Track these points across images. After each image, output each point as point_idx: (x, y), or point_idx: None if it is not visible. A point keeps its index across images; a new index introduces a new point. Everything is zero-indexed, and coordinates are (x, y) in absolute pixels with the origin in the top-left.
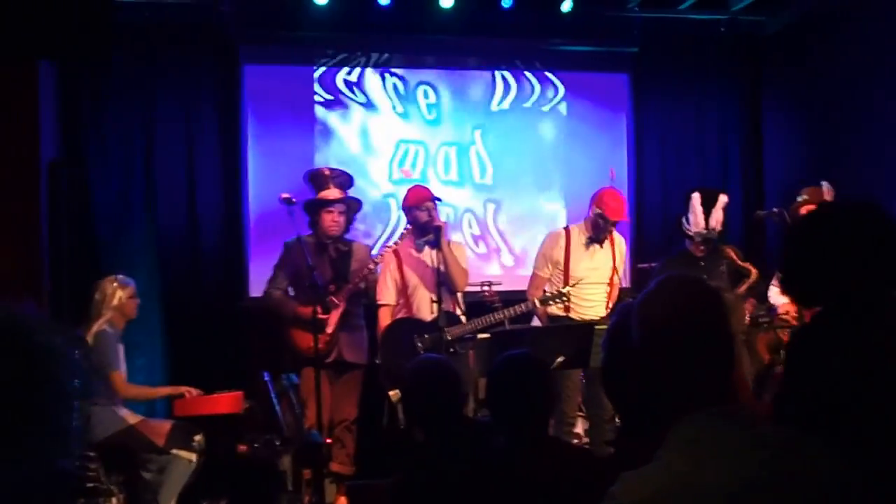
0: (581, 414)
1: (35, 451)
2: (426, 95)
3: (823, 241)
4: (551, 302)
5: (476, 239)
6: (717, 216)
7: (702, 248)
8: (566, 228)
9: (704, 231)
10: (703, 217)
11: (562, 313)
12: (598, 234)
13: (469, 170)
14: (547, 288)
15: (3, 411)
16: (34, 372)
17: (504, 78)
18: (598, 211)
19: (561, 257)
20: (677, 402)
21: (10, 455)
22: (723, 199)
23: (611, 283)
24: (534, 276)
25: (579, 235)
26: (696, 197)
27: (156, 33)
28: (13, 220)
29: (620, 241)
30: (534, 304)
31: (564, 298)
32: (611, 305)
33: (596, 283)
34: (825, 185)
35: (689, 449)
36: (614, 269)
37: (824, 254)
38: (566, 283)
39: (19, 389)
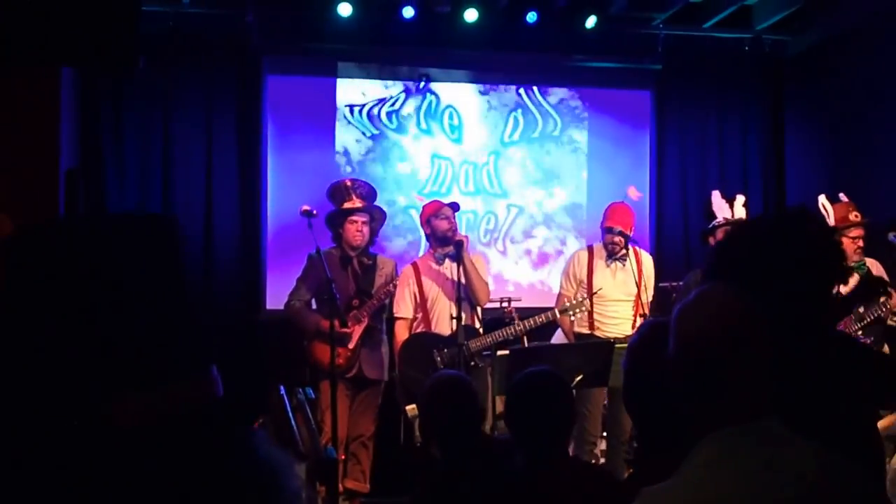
0: (604, 434)
1: None
2: (451, 117)
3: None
4: (570, 312)
5: (493, 240)
6: (740, 211)
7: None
8: (589, 247)
9: (731, 217)
10: (726, 207)
11: (586, 330)
12: (609, 248)
13: (488, 182)
14: (571, 297)
15: None
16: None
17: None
18: (602, 223)
19: (584, 275)
20: (706, 417)
21: None
22: (740, 198)
23: (637, 302)
24: (559, 296)
25: (600, 253)
26: (716, 193)
27: (178, 42)
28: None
29: (648, 260)
30: (555, 314)
31: (584, 308)
32: (636, 324)
33: (620, 300)
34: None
35: (710, 467)
36: (639, 286)
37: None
38: (590, 301)
39: None
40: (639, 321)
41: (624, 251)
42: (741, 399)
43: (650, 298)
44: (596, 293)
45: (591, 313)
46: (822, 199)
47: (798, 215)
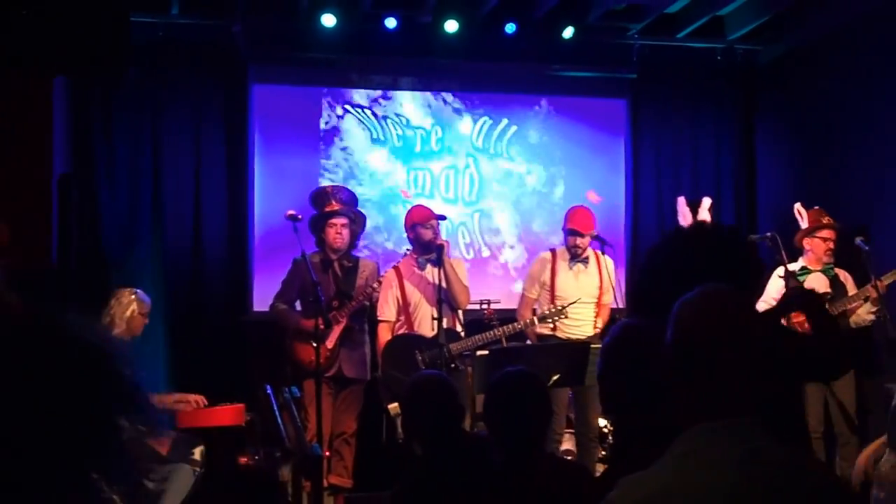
0: (569, 431)
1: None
2: (431, 125)
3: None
4: (549, 319)
5: (467, 247)
6: (704, 216)
7: None
8: (552, 250)
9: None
10: (689, 215)
11: (549, 332)
12: (572, 251)
13: (462, 188)
14: (536, 308)
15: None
16: (104, 381)
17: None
18: (564, 224)
19: (548, 278)
20: (693, 408)
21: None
22: (706, 200)
23: (598, 303)
24: (523, 297)
25: (563, 256)
26: (681, 200)
27: (167, 51)
28: (24, 232)
29: (609, 262)
30: (532, 321)
31: (563, 315)
32: (599, 325)
33: (582, 302)
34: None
35: (683, 460)
36: (601, 288)
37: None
38: (552, 303)
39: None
40: (600, 323)
41: (586, 253)
42: (729, 394)
43: (618, 299)
44: (573, 303)
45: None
46: (797, 206)
47: (698, 229)
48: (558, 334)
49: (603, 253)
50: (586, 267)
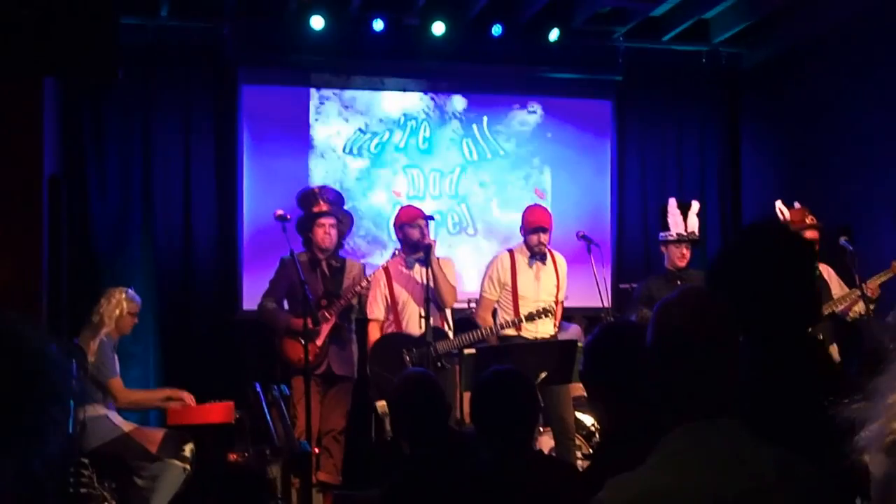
0: (546, 431)
1: (8, 450)
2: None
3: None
4: (536, 318)
5: (454, 225)
6: (693, 221)
7: (683, 252)
8: (510, 251)
9: (685, 233)
10: (681, 219)
11: (514, 333)
12: (536, 248)
13: (451, 188)
14: (497, 309)
15: None
16: (20, 371)
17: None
18: (522, 225)
19: (508, 279)
20: (676, 408)
21: None
22: (695, 204)
23: (556, 301)
24: (482, 299)
25: (522, 256)
26: (672, 202)
27: (157, 54)
28: (14, 232)
29: (561, 260)
30: (520, 319)
31: (550, 314)
32: (557, 324)
33: (542, 301)
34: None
35: (674, 459)
36: (558, 286)
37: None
38: (515, 303)
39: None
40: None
41: (546, 250)
42: (710, 394)
43: (603, 298)
44: (550, 308)
45: (554, 312)
46: (778, 204)
47: (777, 229)
48: (523, 334)
49: (554, 250)
50: (545, 265)
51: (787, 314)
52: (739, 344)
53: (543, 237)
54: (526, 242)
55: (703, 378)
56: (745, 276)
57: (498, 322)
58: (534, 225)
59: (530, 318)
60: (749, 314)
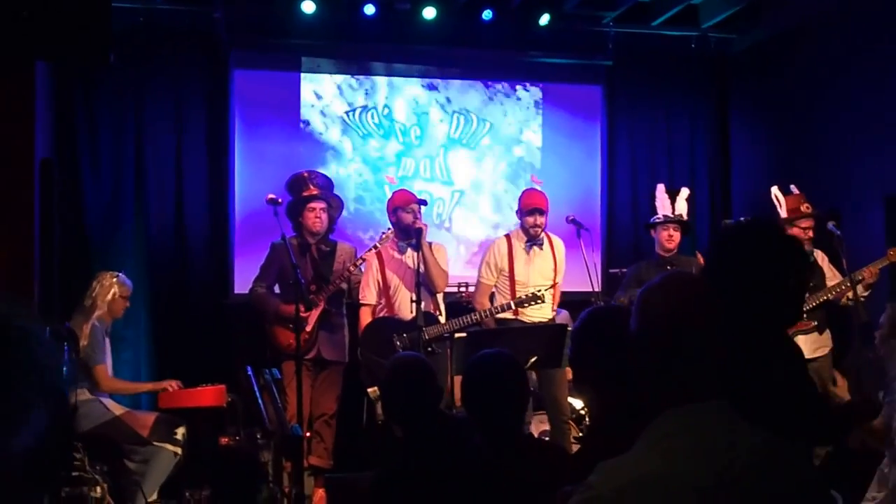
0: (537, 414)
1: None
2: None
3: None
4: (526, 304)
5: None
6: (682, 205)
7: (671, 233)
8: (507, 235)
9: (671, 214)
10: (668, 202)
11: (511, 317)
12: (532, 231)
13: (443, 173)
14: (494, 293)
15: None
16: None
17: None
18: (518, 208)
19: (505, 263)
20: (664, 393)
21: None
22: (685, 191)
23: (553, 285)
24: (479, 284)
25: (518, 241)
26: (660, 187)
27: (149, 37)
28: (5, 215)
29: (559, 244)
30: (510, 304)
31: (541, 300)
32: (555, 307)
33: (539, 285)
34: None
35: (665, 442)
36: (556, 270)
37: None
38: (512, 288)
39: None
40: (555, 305)
41: (541, 235)
42: (696, 378)
43: (594, 282)
44: (548, 289)
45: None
46: (774, 190)
47: (768, 226)
48: (521, 318)
49: (552, 234)
50: (541, 250)
51: (767, 314)
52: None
53: (539, 219)
54: (522, 225)
55: (688, 362)
56: (734, 270)
57: (495, 305)
58: (529, 207)
59: (520, 303)
60: (734, 308)
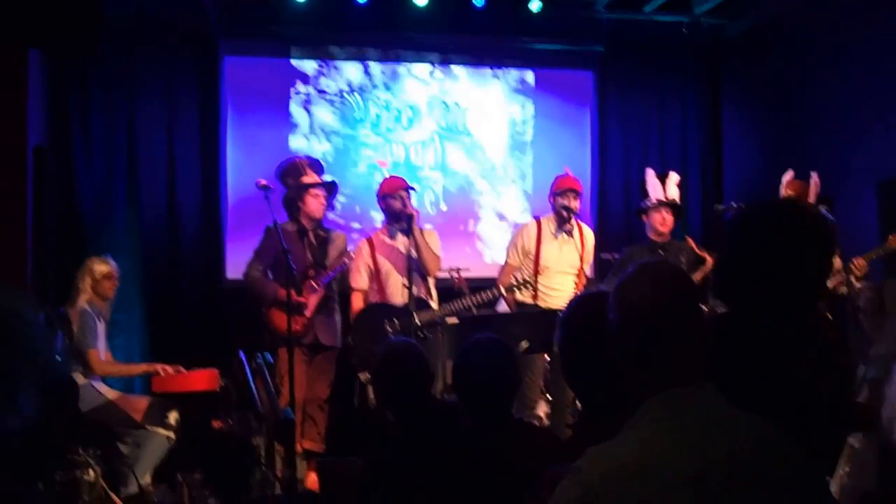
0: (543, 397)
1: None
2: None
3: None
4: (516, 289)
5: (432, 205)
6: (672, 189)
7: (664, 216)
8: (537, 219)
9: (664, 198)
10: (660, 186)
11: (530, 301)
12: (565, 213)
13: (436, 158)
14: (518, 276)
15: None
16: None
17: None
18: (551, 192)
19: (532, 247)
20: (648, 381)
21: None
22: (674, 175)
23: (579, 274)
24: (505, 265)
25: (548, 226)
26: (650, 171)
27: (140, 25)
28: None
29: (589, 234)
30: (500, 290)
31: (530, 286)
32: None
33: (564, 272)
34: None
35: (654, 427)
36: (582, 259)
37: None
38: (535, 273)
39: None
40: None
41: (572, 222)
42: (677, 364)
43: (590, 271)
44: (540, 274)
45: (535, 284)
46: (788, 176)
47: (796, 207)
48: (539, 303)
49: (583, 224)
50: (570, 237)
51: (794, 292)
52: (722, 317)
53: (574, 202)
54: (554, 209)
55: (666, 350)
56: (758, 251)
57: (510, 283)
58: (563, 188)
59: (510, 289)
60: (755, 288)
